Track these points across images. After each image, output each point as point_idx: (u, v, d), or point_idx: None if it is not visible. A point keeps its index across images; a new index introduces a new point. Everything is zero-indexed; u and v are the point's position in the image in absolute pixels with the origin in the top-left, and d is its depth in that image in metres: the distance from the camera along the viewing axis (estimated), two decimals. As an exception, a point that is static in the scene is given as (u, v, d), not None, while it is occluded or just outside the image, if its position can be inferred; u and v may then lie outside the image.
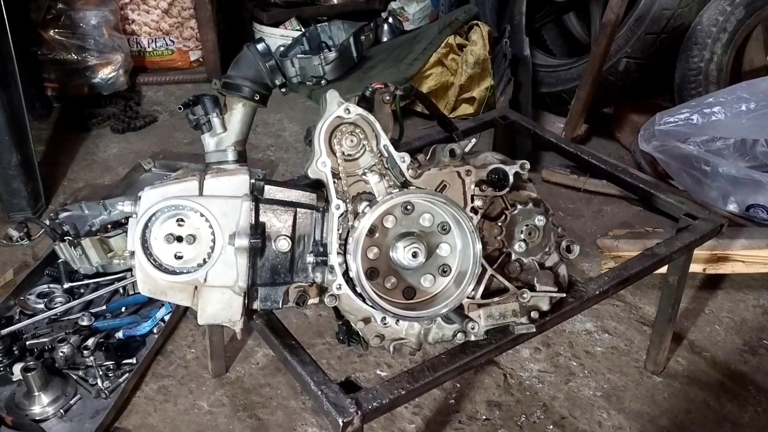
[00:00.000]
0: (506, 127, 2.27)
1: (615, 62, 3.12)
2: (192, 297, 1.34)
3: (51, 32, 3.44)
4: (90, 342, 2.08)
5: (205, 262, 1.32)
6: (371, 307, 1.30)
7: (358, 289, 1.27)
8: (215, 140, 1.41)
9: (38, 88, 3.46)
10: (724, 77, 2.91)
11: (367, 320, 1.37)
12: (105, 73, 3.57)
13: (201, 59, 4.04)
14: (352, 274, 1.26)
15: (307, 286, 1.37)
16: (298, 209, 1.35)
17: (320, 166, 1.32)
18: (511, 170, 1.39)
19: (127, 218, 2.19)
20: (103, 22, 3.55)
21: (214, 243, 1.31)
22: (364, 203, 1.30)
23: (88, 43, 3.52)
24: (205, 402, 1.97)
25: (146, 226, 1.31)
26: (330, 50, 3.73)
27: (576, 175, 3.00)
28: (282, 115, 3.60)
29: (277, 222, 1.33)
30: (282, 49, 3.96)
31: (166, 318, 2.18)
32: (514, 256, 1.41)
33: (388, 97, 1.43)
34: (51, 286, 2.33)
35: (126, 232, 1.84)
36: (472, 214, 1.37)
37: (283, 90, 1.44)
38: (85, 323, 2.13)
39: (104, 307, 2.19)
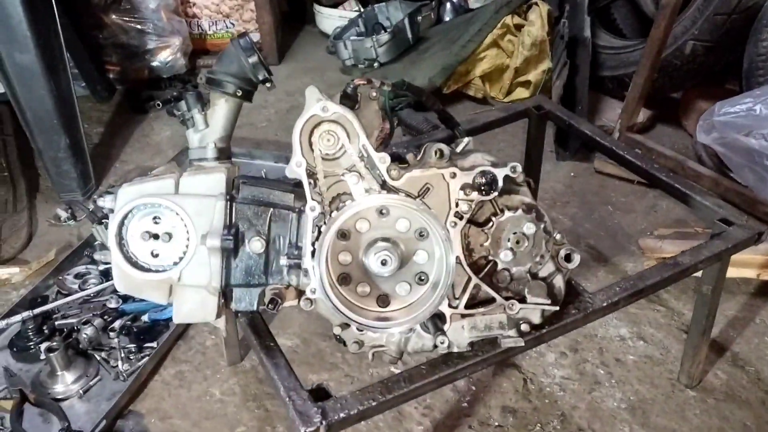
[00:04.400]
0: (540, 118, 2.14)
1: (681, 45, 2.88)
2: (167, 295, 1.33)
3: (112, 16, 3.54)
4: (117, 324, 2.15)
5: (180, 260, 1.31)
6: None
7: (324, 297, 1.22)
8: (198, 136, 1.38)
9: (100, 71, 3.58)
10: (799, 63, 2.63)
11: (344, 325, 1.32)
12: (164, 57, 3.65)
13: (259, 42, 4.05)
14: (316, 281, 1.22)
15: (283, 288, 1.33)
16: (274, 209, 1.31)
17: (295, 167, 1.28)
18: (500, 173, 1.29)
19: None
20: (163, 5, 3.62)
21: (188, 243, 1.30)
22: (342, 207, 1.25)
23: (147, 27, 3.60)
24: (217, 390, 1.99)
25: (122, 223, 1.31)
26: (384, 32, 3.64)
27: (631, 166, 2.82)
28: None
29: (252, 222, 1.30)
30: (338, 30, 3.92)
31: (190, 304, 2.21)
32: (500, 265, 1.32)
33: (374, 93, 1.36)
34: (89, 267, 2.41)
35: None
36: (456, 220, 1.29)
37: (267, 85, 1.40)
38: (112, 305, 2.19)
39: (132, 292, 2.25)
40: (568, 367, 2.03)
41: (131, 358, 2.06)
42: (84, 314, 2.16)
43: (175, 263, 1.31)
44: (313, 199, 1.27)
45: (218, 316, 1.34)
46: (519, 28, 3.39)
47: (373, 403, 1.26)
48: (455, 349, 1.33)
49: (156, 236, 1.31)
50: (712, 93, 3.02)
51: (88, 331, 2.06)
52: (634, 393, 1.95)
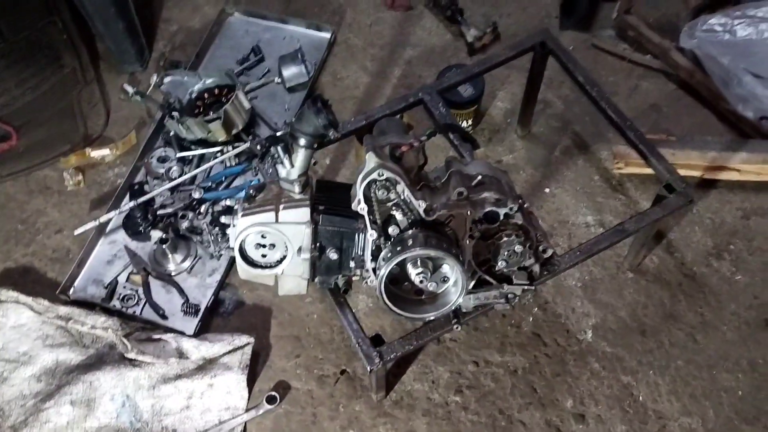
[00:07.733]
0: (544, 57, 2.53)
1: None
2: (274, 280, 2.00)
3: None
4: (203, 209, 2.80)
5: (281, 259, 1.95)
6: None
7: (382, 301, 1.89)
8: (285, 171, 1.90)
9: None
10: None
11: (391, 295, 2.01)
12: None
13: None
14: (377, 290, 1.87)
15: (351, 275, 1.99)
16: (345, 230, 1.91)
17: (359, 210, 1.84)
18: (501, 212, 1.86)
19: (221, 91, 2.89)
20: None
21: (287, 250, 1.92)
22: (393, 228, 1.85)
23: None
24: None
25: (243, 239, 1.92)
26: None
27: (626, 45, 3.19)
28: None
29: (329, 239, 1.91)
30: None
31: (256, 192, 2.84)
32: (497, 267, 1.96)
33: (415, 152, 1.86)
34: (166, 149, 2.97)
35: (221, 117, 2.69)
36: (469, 239, 1.89)
37: (331, 135, 1.88)
38: (197, 196, 2.81)
39: (209, 183, 2.86)
40: (543, 251, 2.74)
41: (219, 239, 2.76)
42: (177, 203, 2.78)
43: (278, 261, 1.95)
44: (372, 229, 1.86)
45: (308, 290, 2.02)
46: None
47: (411, 347, 2.02)
48: (464, 310, 2.03)
49: (263, 245, 1.93)
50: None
51: (186, 223, 2.71)
52: (588, 273, 2.68)
